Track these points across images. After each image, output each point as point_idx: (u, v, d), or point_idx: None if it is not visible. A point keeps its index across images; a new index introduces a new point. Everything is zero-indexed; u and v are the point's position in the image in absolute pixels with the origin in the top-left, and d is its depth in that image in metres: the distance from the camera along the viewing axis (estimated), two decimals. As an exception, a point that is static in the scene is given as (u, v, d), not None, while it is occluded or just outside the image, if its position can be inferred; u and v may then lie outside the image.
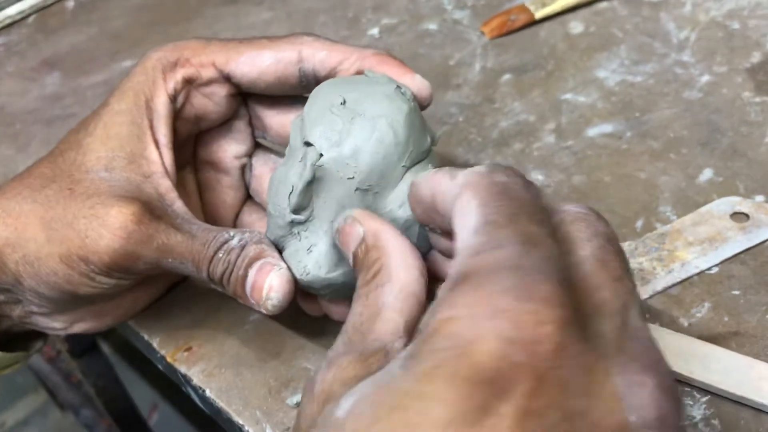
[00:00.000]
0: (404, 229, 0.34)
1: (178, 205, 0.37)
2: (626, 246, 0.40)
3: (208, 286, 0.36)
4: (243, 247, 0.35)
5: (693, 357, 0.35)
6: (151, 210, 0.35)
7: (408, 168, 0.34)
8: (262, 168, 0.42)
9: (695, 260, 0.39)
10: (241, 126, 0.42)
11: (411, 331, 0.28)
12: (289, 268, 0.35)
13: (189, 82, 0.39)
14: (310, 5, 0.65)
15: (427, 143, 0.35)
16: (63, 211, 0.35)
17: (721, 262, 0.39)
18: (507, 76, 0.53)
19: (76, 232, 0.35)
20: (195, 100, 0.39)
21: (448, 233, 0.30)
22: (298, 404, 0.37)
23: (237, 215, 0.43)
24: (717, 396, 0.34)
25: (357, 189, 0.34)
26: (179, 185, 0.38)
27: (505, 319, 0.23)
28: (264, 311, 0.34)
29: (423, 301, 0.29)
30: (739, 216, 0.41)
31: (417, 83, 0.37)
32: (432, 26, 0.60)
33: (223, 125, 0.41)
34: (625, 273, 0.26)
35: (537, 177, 0.46)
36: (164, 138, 0.38)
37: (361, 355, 0.27)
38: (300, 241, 0.35)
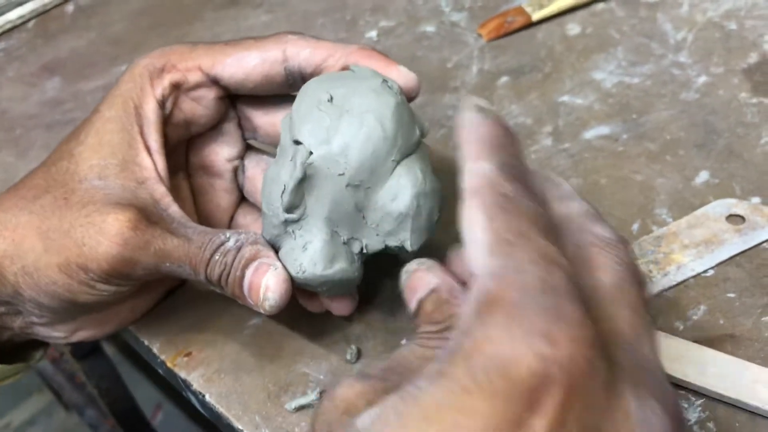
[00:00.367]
0: (398, 222, 0.34)
1: (174, 209, 0.37)
2: (622, 249, 0.40)
3: (207, 289, 0.37)
4: (239, 249, 0.35)
5: (688, 360, 0.35)
6: (146, 216, 0.36)
7: (398, 162, 0.34)
8: (255, 169, 0.42)
9: (691, 263, 0.39)
10: (230, 129, 0.42)
11: None
12: (285, 267, 0.35)
13: (177, 87, 0.39)
14: (309, 7, 0.65)
15: (416, 136, 0.35)
16: (59, 221, 0.35)
17: (717, 265, 0.39)
18: (504, 79, 0.54)
19: (73, 241, 0.35)
20: (184, 104, 0.40)
21: None
22: (297, 409, 0.37)
23: (232, 218, 0.43)
24: (712, 399, 0.34)
25: (348, 185, 0.34)
26: (173, 191, 0.39)
27: (540, 338, 0.24)
28: (262, 311, 0.35)
29: None
30: (734, 218, 0.41)
31: (403, 75, 0.37)
32: (429, 28, 0.60)
33: (213, 129, 0.42)
34: (642, 305, 0.27)
35: (534, 180, 0.46)
36: (155, 144, 0.38)
37: (396, 388, 0.27)
38: (295, 239, 0.35)
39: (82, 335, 0.40)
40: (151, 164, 0.38)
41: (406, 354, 0.29)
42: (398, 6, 0.63)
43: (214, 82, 0.39)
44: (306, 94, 0.36)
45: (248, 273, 0.34)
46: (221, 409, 0.38)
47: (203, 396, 0.39)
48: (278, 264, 0.35)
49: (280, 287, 0.34)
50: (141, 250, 0.35)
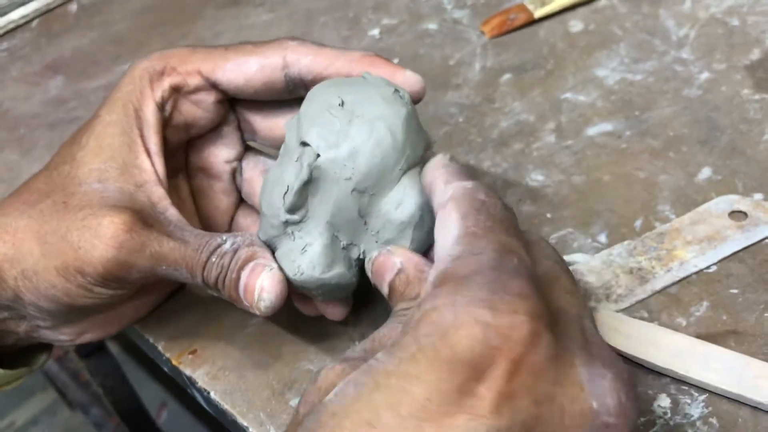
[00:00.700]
0: (399, 231, 0.34)
1: (171, 212, 0.37)
2: (625, 245, 0.41)
3: (205, 293, 0.37)
4: (236, 251, 0.35)
5: (691, 356, 0.35)
6: (143, 218, 0.35)
7: (404, 171, 0.34)
8: (252, 171, 0.42)
9: (694, 259, 0.39)
10: (230, 131, 0.42)
11: None
12: (281, 268, 0.35)
13: (176, 90, 0.39)
14: (311, 6, 0.65)
15: (423, 149, 0.35)
16: (57, 225, 0.35)
17: (720, 261, 0.39)
18: (507, 76, 0.54)
19: (69, 244, 0.35)
20: (183, 107, 0.40)
21: None
22: (301, 405, 0.37)
23: (232, 219, 0.43)
24: (715, 394, 0.34)
25: (354, 190, 0.34)
26: (173, 192, 0.39)
27: (482, 307, 0.25)
28: (258, 312, 0.34)
29: None
30: (737, 214, 0.41)
31: (409, 79, 0.37)
32: (432, 26, 0.60)
33: (212, 131, 0.42)
34: (575, 288, 0.30)
35: (537, 177, 0.46)
36: (155, 146, 0.38)
37: None
38: (294, 240, 0.35)
39: (88, 337, 0.40)
40: (151, 167, 0.37)
41: (384, 332, 0.30)
42: (400, 4, 0.63)
43: (213, 85, 0.39)
44: (316, 96, 0.35)
45: (244, 274, 0.34)
46: (226, 405, 0.38)
47: (208, 393, 0.39)
48: (274, 265, 0.34)
49: (276, 288, 0.34)
50: (136, 252, 0.35)
